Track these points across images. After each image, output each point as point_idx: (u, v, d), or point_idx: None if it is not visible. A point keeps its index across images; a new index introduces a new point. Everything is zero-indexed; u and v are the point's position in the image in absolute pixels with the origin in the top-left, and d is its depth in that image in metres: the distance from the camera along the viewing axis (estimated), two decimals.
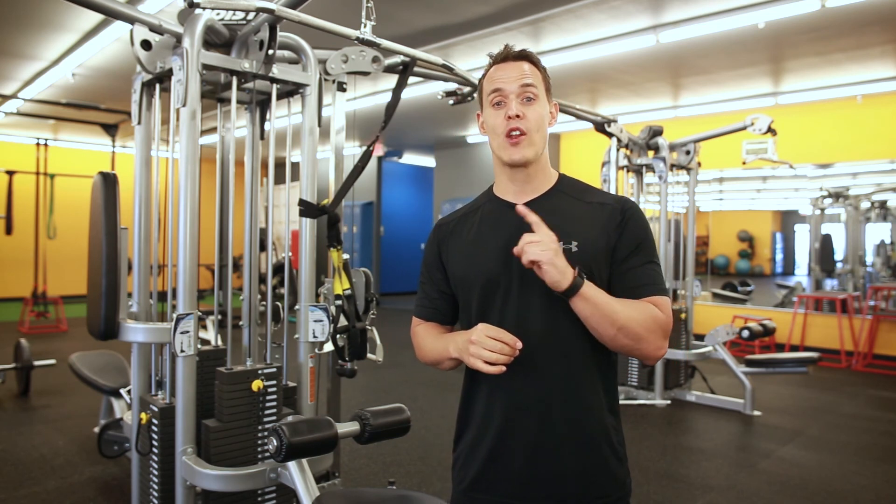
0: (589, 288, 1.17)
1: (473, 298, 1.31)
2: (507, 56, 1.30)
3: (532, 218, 1.19)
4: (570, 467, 1.24)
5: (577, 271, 1.17)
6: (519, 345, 1.16)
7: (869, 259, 7.88)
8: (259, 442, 2.28)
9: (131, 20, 2.25)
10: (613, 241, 1.26)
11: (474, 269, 1.31)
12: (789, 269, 10.57)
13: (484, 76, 1.34)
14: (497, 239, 1.30)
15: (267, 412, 2.29)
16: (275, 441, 1.84)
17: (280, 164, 10.53)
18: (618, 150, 5.11)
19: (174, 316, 2.11)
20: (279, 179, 10.48)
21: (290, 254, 2.93)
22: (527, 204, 1.29)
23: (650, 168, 5.23)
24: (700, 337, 5.34)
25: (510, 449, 1.26)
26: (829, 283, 8.16)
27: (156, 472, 2.31)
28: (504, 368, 1.16)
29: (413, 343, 1.44)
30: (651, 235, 1.31)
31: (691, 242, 5.40)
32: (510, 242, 1.24)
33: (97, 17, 4.79)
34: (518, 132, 1.26)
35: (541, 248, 1.14)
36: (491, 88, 1.30)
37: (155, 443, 2.32)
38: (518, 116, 1.25)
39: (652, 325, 1.20)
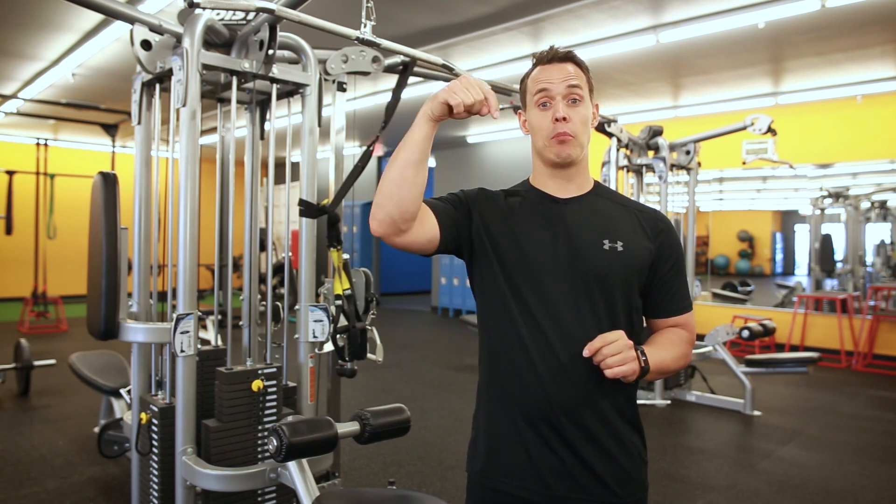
0: (650, 365, 1.22)
1: (510, 280, 1.29)
2: (552, 57, 1.31)
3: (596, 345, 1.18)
4: (601, 461, 1.25)
5: (640, 357, 1.21)
6: (489, 97, 1.16)
7: (869, 259, 7.88)
8: (259, 442, 2.28)
9: (131, 20, 2.25)
10: (653, 251, 1.31)
11: (519, 253, 1.29)
12: (789, 269, 10.57)
13: (527, 76, 1.35)
14: (539, 227, 1.31)
15: (267, 412, 2.29)
16: (275, 441, 1.84)
17: (280, 164, 10.53)
18: (618, 150, 5.11)
19: (174, 316, 2.11)
20: (279, 179, 10.48)
21: (290, 254, 2.94)
22: (570, 200, 1.33)
23: (650, 168, 5.23)
24: (700, 337, 5.34)
25: (541, 438, 1.26)
26: (829, 283, 8.15)
27: (156, 472, 2.31)
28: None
29: (378, 188, 1.21)
30: (682, 249, 1.38)
31: (691, 242, 5.40)
32: (553, 233, 1.29)
33: (97, 17, 4.79)
34: (565, 134, 1.27)
35: (620, 358, 1.17)
36: (536, 89, 1.30)
37: (155, 443, 2.32)
38: (565, 119, 1.26)
39: (688, 350, 1.35)
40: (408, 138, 1.19)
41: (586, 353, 1.18)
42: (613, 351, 1.16)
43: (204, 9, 1.96)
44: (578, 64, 1.31)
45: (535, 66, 1.34)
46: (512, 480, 1.28)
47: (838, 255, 8.05)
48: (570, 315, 1.25)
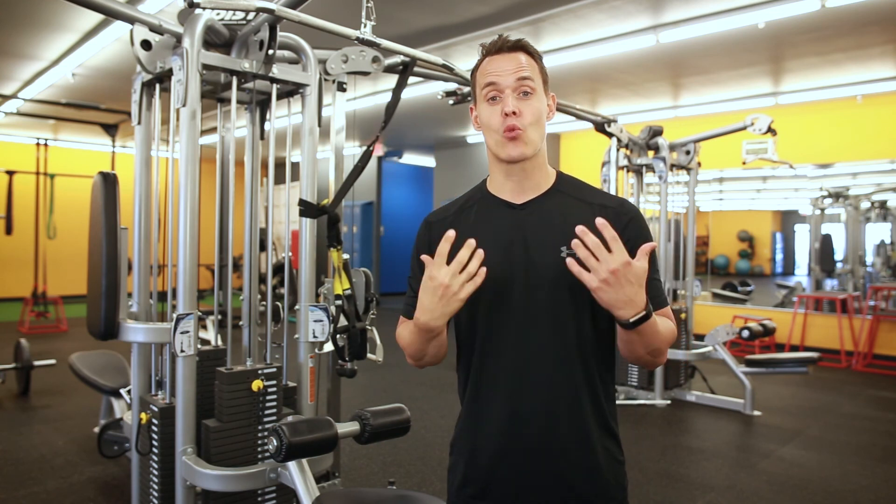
0: (650, 315, 1.12)
1: (473, 301, 1.24)
2: (501, 47, 1.23)
3: (608, 234, 1.07)
4: (575, 473, 1.22)
5: (647, 306, 1.10)
6: (472, 243, 1.12)
7: (869, 259, 7.88)
8: (259, 442, 2.28)
9: (131, 20, 2.25)
10: None
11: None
12: (789, 269, 10.56)
13: (477, 68, 1.27)
14: (494, 241, 1.24)
15: (267, 412, 2.29)
16: (275, 441, 1.84)
17: (280, 164, 10.53)
18: (618, 150, 5.11)
19: (174, 316, 2.11)
20: (279, 179, 10.48)
21: (290, 254, 2.93)
22: (525, 204, 1.26)
23: (650, 168, 5.23)
24: (700, 337, 5.34)
25: (513, 455, 1.23)
26: (829, 283, 8.15)
27: (156, 472, 2.31)
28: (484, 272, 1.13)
29: (400, 345, 1.33)
30: (652, 241, 1.27)
31: (691, 242, 5.40)
32: (509, 244, 1.23)
33: (97, 17, 4.79)
34: (515, 128, 1.20)
35: (602, 268, 1.06)
36: (485, 82, 1.23)
37: (155, 443, 2.32)
38: (515, 113, 1.19)
39: (670, 339, 1.22)
40: (427, 343, 1.23)
41: (578, 231, 1.07)
42: (603, 257, 1.05)
43: (204, 9, 1.96)
44: (531, 53, 1.23)
45: (483, 57, 1.25)
46: (489, 500, 1.26)
47: (838, 255, 8.05)
48: (535, 329, 1.20)
